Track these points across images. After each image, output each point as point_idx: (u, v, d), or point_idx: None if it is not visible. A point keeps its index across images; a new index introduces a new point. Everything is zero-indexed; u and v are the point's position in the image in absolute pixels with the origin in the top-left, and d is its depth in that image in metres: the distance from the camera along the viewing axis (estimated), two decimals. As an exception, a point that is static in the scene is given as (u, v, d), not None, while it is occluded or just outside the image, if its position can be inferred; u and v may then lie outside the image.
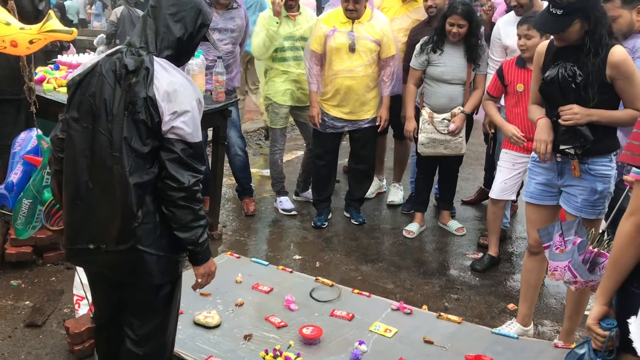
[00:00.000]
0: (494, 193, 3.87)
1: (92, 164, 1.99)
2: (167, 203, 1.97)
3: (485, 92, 3.86)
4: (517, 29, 3.60)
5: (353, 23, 4.23)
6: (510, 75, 3.67)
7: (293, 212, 4.86)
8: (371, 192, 5.26)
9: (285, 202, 4.92)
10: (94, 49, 7.89)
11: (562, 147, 2.63)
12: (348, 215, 4.79)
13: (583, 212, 2.67)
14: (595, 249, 2.28)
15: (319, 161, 4.63)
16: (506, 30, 4.07)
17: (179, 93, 1.95)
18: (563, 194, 2.78)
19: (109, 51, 2.09)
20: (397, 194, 5.19)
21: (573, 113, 2.55)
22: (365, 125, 4.43)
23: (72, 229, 2.08)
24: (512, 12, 4.07)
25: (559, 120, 2.59)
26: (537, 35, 3.44)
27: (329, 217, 4.73)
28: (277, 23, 4.37)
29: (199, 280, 2.18)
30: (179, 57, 2.07)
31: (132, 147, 1.92)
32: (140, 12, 8.64)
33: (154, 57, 1.98)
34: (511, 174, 3.78)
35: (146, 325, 2.14)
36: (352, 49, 4.22)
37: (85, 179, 2.00)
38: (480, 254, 4.12)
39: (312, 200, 4.86)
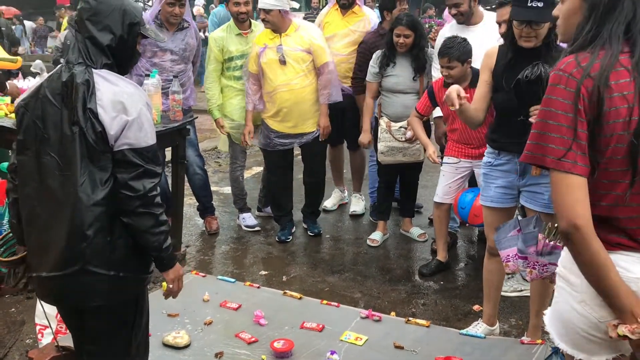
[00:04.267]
0: (437, 197, 3.98)
1: (40, 188, 1.96)
2: (126, 213, 1.94)
3: (414, 109, 3.98)
4: (438, 60, 3.74)
5: (281, 37, 4.27)
6: (441, 97, 3.80)
7: (257, 228, 4.85)
8: (333, 204, 5.31)
9: (249, 219, 4.91)
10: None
11: None
12: (306, 226, 4.82)
13: (551, 207, 2.74)
14: (552, 242, 2.36)
15: (271, 177, 4.65)
16: None
17: (125, 101, 1.92)
18: (525, 193, 2.87)
19: (50, 73, 2.06)
20: (358, 204, 5.24)
21: None
22: (312, 139, 4.45)
23: (28, 258, 2.06)
24: (454, 22, 4.20)
25: (530, 120, 2.59)
26: (459, 64, 3.63)
27: (293, 230, 4.74)
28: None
29: (170, 285, 2.14)
30: (120, 63, 2.03)
31: (84, 164, 1.90)
32: None
33: (93, 69, 1.95)
34: (454, 177, 3.90)
35: (105, 352, 2.09)
36: (282, 61, 4.25)
37: (35, 204, 1.97)
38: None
39: (273, 216, 4.86)
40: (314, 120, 4.42)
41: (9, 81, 4.35)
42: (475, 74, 3.66)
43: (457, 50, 3.61)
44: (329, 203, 5.30)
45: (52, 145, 1.93)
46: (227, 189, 5.83)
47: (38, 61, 8.73)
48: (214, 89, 4.59)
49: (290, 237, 4.65)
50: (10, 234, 2.26)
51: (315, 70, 4.35)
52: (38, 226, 1.98)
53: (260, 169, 6.01)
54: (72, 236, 1.91)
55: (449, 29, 4.24)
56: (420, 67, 4.19)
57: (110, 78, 1.97)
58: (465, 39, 3.69)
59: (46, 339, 2.92)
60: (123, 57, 2.05)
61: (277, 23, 4.23)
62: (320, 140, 4.49)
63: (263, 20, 4.27)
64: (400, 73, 4.22)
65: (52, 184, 1.93)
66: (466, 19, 4.06)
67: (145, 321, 2.16)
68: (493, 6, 4.10)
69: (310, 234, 4.73)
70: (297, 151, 4.66)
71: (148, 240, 1.98)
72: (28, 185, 1.99)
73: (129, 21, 2.02)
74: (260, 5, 4.22)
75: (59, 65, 2.05)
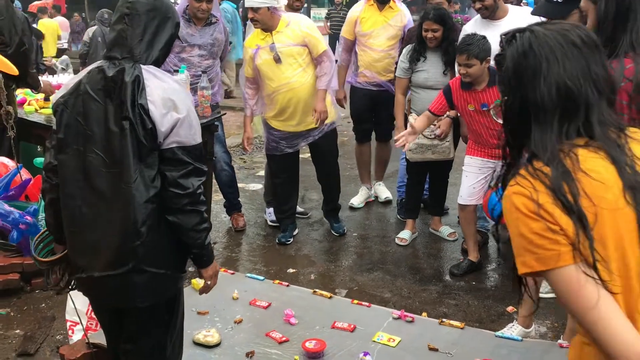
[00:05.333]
0: (461, 199, 3.89)
1: (85, 187, 1.92)
2: (172, 211, 1.91)
3: (427, 109, 3.87)
4: (457, 58, 3.67)
5: (272, 35, 4.15)
6: (457, 98, 3.73)
7: None
8: (360, 201, 5.26)
9: (274, 214, 4.87)
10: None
11: None
12: (329, 225, 4.75)
13: None
14: None
15: (276, 179, 4.53)
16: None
17: (175, 99, 1.91)
18: None
19: (89, 68, 2.03)
20: (386, 191, 5.29)
21: None
22: (319, 136, 4.33)
23: (72, 258, 2.02)
24: (478, 16, 4.11)
25: None
26: (477, 62, 3.52)
27: (295, 232, 4.63)
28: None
29: (208, 282, 2.13)
30: (162, 61, 2.05)
31: (134, 161, 1.86)
32: None
33: (141, 65, 1.93)
34: (477, 178, 3.81)
35: (142, 351, 2.07)
36: (277, 60, 4.13)
37: (79, 204, 1.94)
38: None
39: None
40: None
41: (42, 78, 4.36)
42: (493, 73, 3.57)
43: (477, 48, 3.51)
44: (355, 201, 5.24)
45: (97, 142, 1.90)
46: (253, 186, 5.82)
47: (65, 57, 8.83)
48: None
49: (291, 240, 4.54)
50: (47, 232, 2.24)
51: (313, 62, 4.23)
52: (84, 226, 1.95)
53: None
54: (126, 234, 1.89)
55: (473, 23, 4.16)
56: (451, 61, 4.10)
57: (158, 74, 1.95)
58: (484, 37, 3.60)
59: (77, 336, 2.91)
60: (165, 54, 2.05)
61: (266, 21, 4.11)
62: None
63: (251, 19, 4.14)
64: (430, 68, 4.14)
65: (99, 182, 1.90)
66: (491, 13, 3.97)
67: (180, 320, 2.15)
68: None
69: (335, 234, 4.65)
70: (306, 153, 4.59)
71: (192, 238, 1.96)
72: (71, 185, 1.95)
73: (176, 20, 2.05)
74: (247, 3, 4.11)
75: (98, 62, 2.01)
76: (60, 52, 11.15)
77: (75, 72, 6.50)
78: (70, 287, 2.22)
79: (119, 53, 1.96)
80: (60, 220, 2.05)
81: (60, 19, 12.90)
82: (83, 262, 1.98)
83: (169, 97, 1.90)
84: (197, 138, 1.95)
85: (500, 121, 1.33)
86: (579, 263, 1.13)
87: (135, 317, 2.03)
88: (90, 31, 8.57)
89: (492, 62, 3.53)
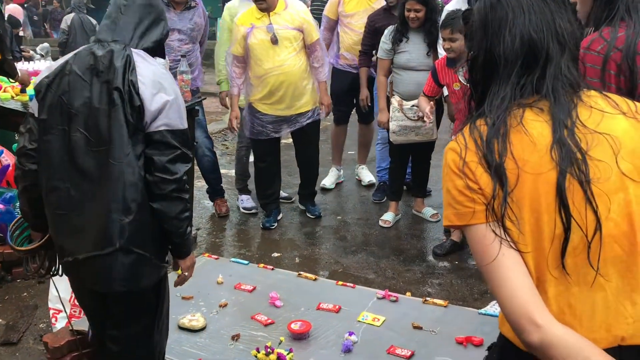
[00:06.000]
0: None
1: (71, 168, 1.89)
2: (157, 197, 1.89)
3: (422, 92, 3.92)
4: (441, 33, 3.68)
5: (269, 16, 4.11)
6: (443, 77, 3.76)
7: (254, 211, 4.79)
8: (332, 182, 5.29)
9: (247, 201, 4.85)
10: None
11: None
12: (303, 208, 4.75)
13: None
14: None
15: (260, 163, 4.49)
16: None
17: (163, 82, 1.90)
18: None
19: (76, 50, 2.00)
20: (369, 174, 5.31)
21: None
22: (306, 122, 4.32)
23: (57, 242, 1.99)
24: None
25: None
26: (461, 37, 3.53)
27: (279, 217, 4.63)
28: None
29: (186, 273, 2.11)
30: (154, 53, 2.04)
31: (124, 137, 1.84)
32: (92, 19, 8.45)
33: (132, 49, 1.93)
34: None
35: (129, 337, 2.06)
36: (274, 41, 4.08)
37: (67, 186, 1.90)
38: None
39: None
40: (306, 99, 4.27)
41: (20, 68, 4.28)
42: None
43: (460, 22, 3.51)
44: (327, 182, 5.26)
45: (81, 121, 1.87)
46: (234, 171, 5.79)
47: (45, 44, 8.67)
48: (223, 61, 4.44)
49: (275, 224, 4.54)
50: (22, 219, 2.20)
51: (304, 48, 4.22)
52: (72, 208, 1.91)
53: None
54: (114, 211, 1.85)
55: (455, 3, 4.17)
56: (433, 42, 4.11)
57: (148, 58, 1.95)
58: (470, 10, 3.61)
59: (60, 323, 2.89)
60: (154, 51, 2.04)
61: (272, 2, 4.08)
62: (325, 116, 4.38)
63: (258, 1, 4.06)
64: (413, 49, 4.13)
65: (84, 162, 1.87)
66: None
67: (167, 306, 2.14)
68: None
69: (311, 216, 4.66)
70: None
71: (174, 226, 1.94)
72: (57, 167, 1.91)
73: (167, 28, 2.07)
74: None
75: (85, 45, 1.99)
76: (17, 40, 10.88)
77: (55, 59, 6.39)
78: (51, 273, 2.20)
79: (109, 36, 1.95)
80: (37, 206, 2.01)
81: (12, 7, 12.49)
82: (70, 245, 1.95)
83: (158, 80, 1.90)
84: (184, 123, 1.94)
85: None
86: (490, 222, 1.17)
87: (123, 302, 2.01)
88: (67, 19, 8.42)
89: None
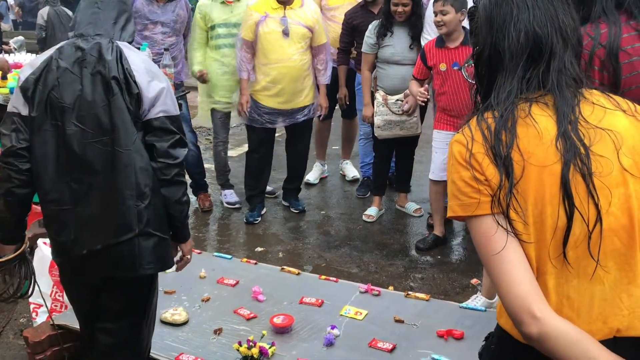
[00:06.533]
0: (433, 174, 3.93)
1: (69, 162, 1.88)
2: (162, 182, 1.92)
3: (412, 75, 3.95)
4: (433, 6, 3.71)
5: (285, 9, 4.17)
6: (431, 58, 3.78)
7: (237, 206, 4.78)
8: (315, 177, 5.30)
9: (230, 196, 4.85)
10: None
11: None
12: (287, 204, 4.76)
13: None
14: None
15: (254, 154, 4.53)
16: None
17: (154, 70, 1.94)
18: None
19: (58, 45, 1.99)
20: (353, 170, 5.34)
21: None
22: (302, 119, 4.39)
23: (61, 238, 1.95)
24: None
25: None
26: (453, 10, 3.57)
27: (263, 212, 4.64)
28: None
29: (188, 256, 2.15)
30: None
31: (129, 125, 1.85)
32: (68, 11, 8.32)
33: (118, 42, 1.94)
34: (447, 153, 3.83)
35: (120, 329, 2.05)
36: (285, 33, 4.14)
37: (67, 180, 1.89)
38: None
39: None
40: (304, 96, 4.33)
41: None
42: (467, 33, 3.63)
43: None
44: (311, 177, 5.27)
45: (74, 115, 1.86)
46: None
47: (20, 37, 8.52)
48: (197, 54, 4.48)
49: (259, 219, 4.54)
50: None
51: (310, 48, 4.28)
52: (77, 202, 1.90)
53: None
54: (129, 198, 1.87)
55: None
56: (417, 35, 4.13)
57: (135, 50, 1.98)
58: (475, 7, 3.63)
59: (41, 318, 2.87)
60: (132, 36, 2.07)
61: None
62: (320, 118, 4.47)
63: None
64: (397, 43, 4.14)
65: (86, 155, 1.87)
66: None
67: (156, 299, 2.15)
68: None
69: (295, 211, 4.67)
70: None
71: (178, 210, 1.98)
72: (51, 163, 1.89)
73: (134, 28, 2.09)
74: None
75: (68, 40, 1.98)
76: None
77: (32, 53, 6.29)
78: (21, 294, 2.13)
79: (92, 30, 1.95)
80: (21, 210, 1.98)
81: None
82: (81, 238, 1.92)
83: (150, 68, 1.93)
84: (177, 109, 1.98)
85: (473, 81, 1.35)
86: (495, 214, 1.19)
87: (114, 293, 2.02)
88: (44, 13, 8.27)
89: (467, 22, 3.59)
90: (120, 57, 1.88)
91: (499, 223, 1.18)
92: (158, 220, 1.94)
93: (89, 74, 1.87)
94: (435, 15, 3.67)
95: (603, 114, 1.21)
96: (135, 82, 1.86)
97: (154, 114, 1.89)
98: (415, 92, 3.87)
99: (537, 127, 1.19)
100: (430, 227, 4.26)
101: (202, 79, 4.45)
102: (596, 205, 1.16)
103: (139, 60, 1.92)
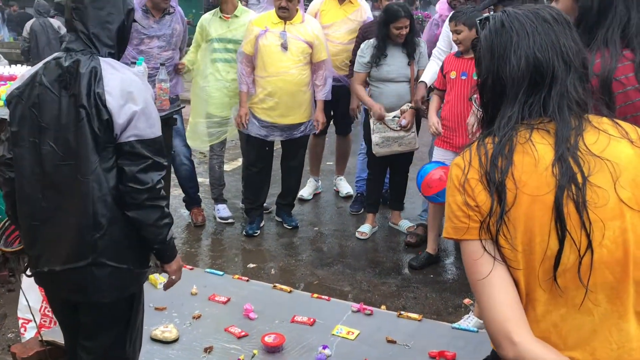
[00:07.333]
0: None
1: (42, 179, 1.88)
2: (132, 206, 1.87)
3: (434, 87, 3.98)
4: (449, 26, 3.80)
5: (285, 24, 4.22)
6: (447, 66, 3.84)
7: (230, 220, 4.78)
8: (309, 193, 5.30)
9: (223, 210, 4.84)
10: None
11: None
12: (280, 219, 4.75)
13: None
14: None
15: (252, 168, 4.55)
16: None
17: (133, 90, 1.87)
18: None
19: (46, 59, 1.98)
20: (347, 186, 5.35)
21: None
22: (298, 135, 4.41)
23: (31, 252, 1.97)
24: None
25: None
26: (466, 29, 3.64)
27: (262, 224, 4.65)
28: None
29: (173, 277, 2.11)
30: (119, 51, 2.01)
31: (91, 153, 1.83)
32: (55, 22, 8.32)
33: (100, 57, 1.90)
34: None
35: (102, 348, 2.03)
36: (284, 47, 4.19)
37: (39, 197, 1.89)
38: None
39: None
40: (300, 112, 4.35)
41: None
42: None
43: (464, 15, 3.66)
44: (305, 192, 5.28)
45: (51, 134, 1.85)
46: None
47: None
48: (190, 55, 4.62)
49: (258, 231, 4.56)
50: (8, 222, 2.19)
51: (309, 64, 4.30)
52: (45, 220, 1.90)
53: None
54: (84, 227, 1.85)
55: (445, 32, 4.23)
56: (413, 52, 4.17)
57: (116, 66, 1.92)
58: (475, 7, 3.76)
59: (29, 333, 2.84)
60: (121, 44, 2.01)
61: (294, 12, 4.21)
62: (315, 133, 4.49)
63: (282, 8, 4.15)
64: (392, 62, 4.18)
65: (55, 175, 1.86)
66: (461, 4, 4.07)
67: (141, 317, 2.12)
68: None
69: (288, 227, 4.66)
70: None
71: (153, 234, 1.93)
72: (29, 178, 1.90)
73: (127, 7, 1.99)
74: None
75: (55, 54, 1.96)
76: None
77: (14, 63, 6.27)
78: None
79: (75, 45, 1.93)
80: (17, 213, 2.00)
81: None
82: (45, 255, 1.94)
83: (126, 89, 1.87)
84: (156, 131, 1.91)
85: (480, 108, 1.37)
86: (483, 239, 1.20)
87: (95, 313, 2.00)
88: (28, 26, 8.29)
89: None
90: (94, 78, 1.83)
91: (485, 249, 1.20)
92: (113, 251, 1.90)
93: (67, 96, 1.85)
94: (452, 35, 3.76)
95: (607, 143, 1.20)
96: (106, 107, 1.82)
97: (124, 138, 1.85)
98: (432, 123, 3.84)
99: (535, 154, 1.19)
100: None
101: (179, 68, 4.45)
102: (587, 236, 1.16)
103: (115, 81, 1.86)
